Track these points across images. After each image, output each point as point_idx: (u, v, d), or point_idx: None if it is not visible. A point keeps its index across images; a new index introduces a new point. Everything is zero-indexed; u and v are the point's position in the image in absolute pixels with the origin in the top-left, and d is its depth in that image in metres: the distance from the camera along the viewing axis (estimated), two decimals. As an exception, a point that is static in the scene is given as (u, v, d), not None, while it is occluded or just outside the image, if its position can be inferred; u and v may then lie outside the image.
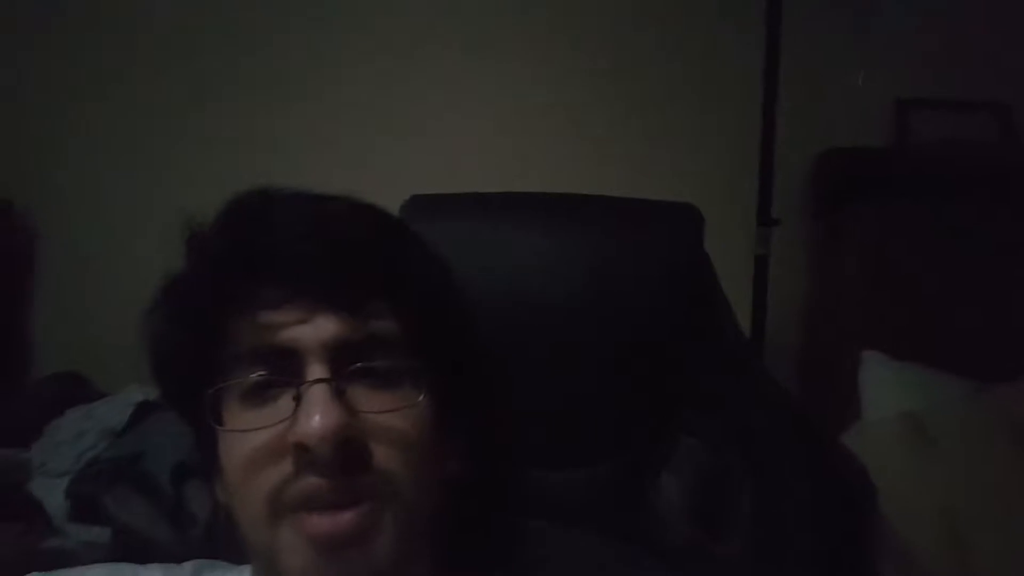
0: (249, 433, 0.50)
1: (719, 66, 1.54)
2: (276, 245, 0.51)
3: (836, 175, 1.50)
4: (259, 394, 0.51)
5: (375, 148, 1.56)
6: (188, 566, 0.64)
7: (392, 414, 0.50)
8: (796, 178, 1.52)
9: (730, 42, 1.52)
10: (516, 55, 1.57)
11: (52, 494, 1.20)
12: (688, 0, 1.55)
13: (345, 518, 0.48)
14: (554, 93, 1.57)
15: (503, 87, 1.58)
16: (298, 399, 0.49)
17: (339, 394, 0.49)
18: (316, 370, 0.49)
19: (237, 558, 0.66)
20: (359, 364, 0.50)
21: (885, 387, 1.22)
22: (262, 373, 0.51)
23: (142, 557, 0.71)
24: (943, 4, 1.51)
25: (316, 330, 0.50)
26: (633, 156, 1.55)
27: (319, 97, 1.58)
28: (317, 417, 0.47)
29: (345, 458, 0.48)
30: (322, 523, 0.48)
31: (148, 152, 1.60)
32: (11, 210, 1.61)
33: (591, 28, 1.56)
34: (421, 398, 0.51)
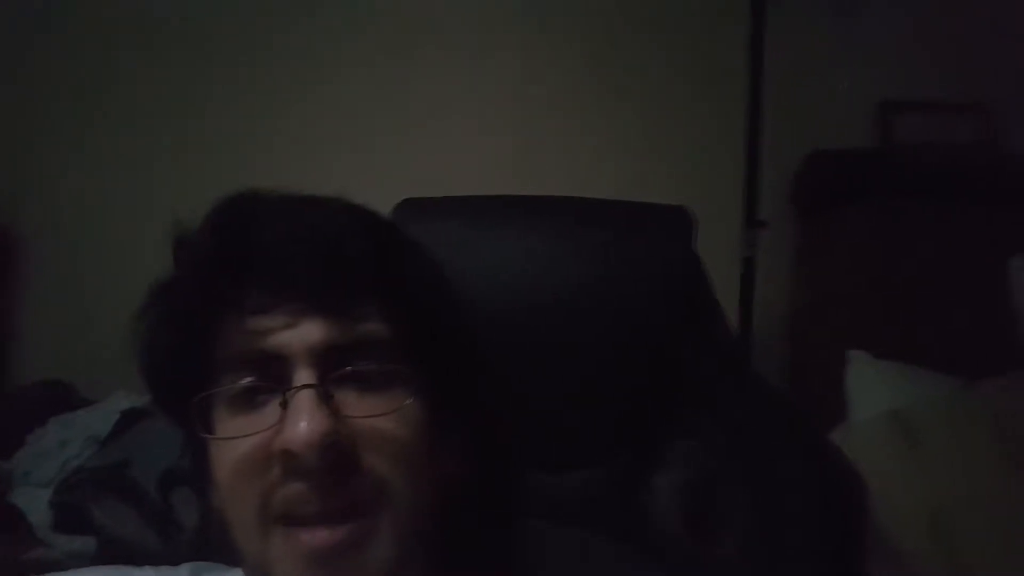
0: (238, 440, 0.49)
1: (705, 70, 1.55)
2: (262, 249, 0.51)
3: (821, 177, 1.51)
4: (247, 400, 0.50)
5: (371, 149, 1.56)
6: (184, 568, 0.63)
7: (381, 418, 0.50)
8: (782, 180, 1.53)
9: (716, 45, 1.53)
10: (505, 60, 1.58)
11: (36, 504, 1.18)
12: (674, 4, 1.56)
13: (339, 532, 0.48)
14: (541, 97, 1.58)
15: (492, 95, 1.58)
16: (285, 405, 0.48)
17: (326, 399, 0.48)
18: (303, 375, 0.49)
19: (225, 561, 0.66)
20: (348, 368, 0.50)
21: (872, 386, 1.22)
22: (250, 379, 0.50)
23: (129, 566, 0.70)
24: (926, 6, 1.52)
25: (303, 334, 0.49)
26: (620, 159, 1.56)
27: (314, 99, 1.58)
28: (303, 424, 0.47)
29: (333, 464, 0.47)
30: (315, 538, 0.48)
31: (135, 158, 1.59)
32: (-6, 216, 1.60)
33: (579, 34, 1.57)
34: (409, 401, 0.51)
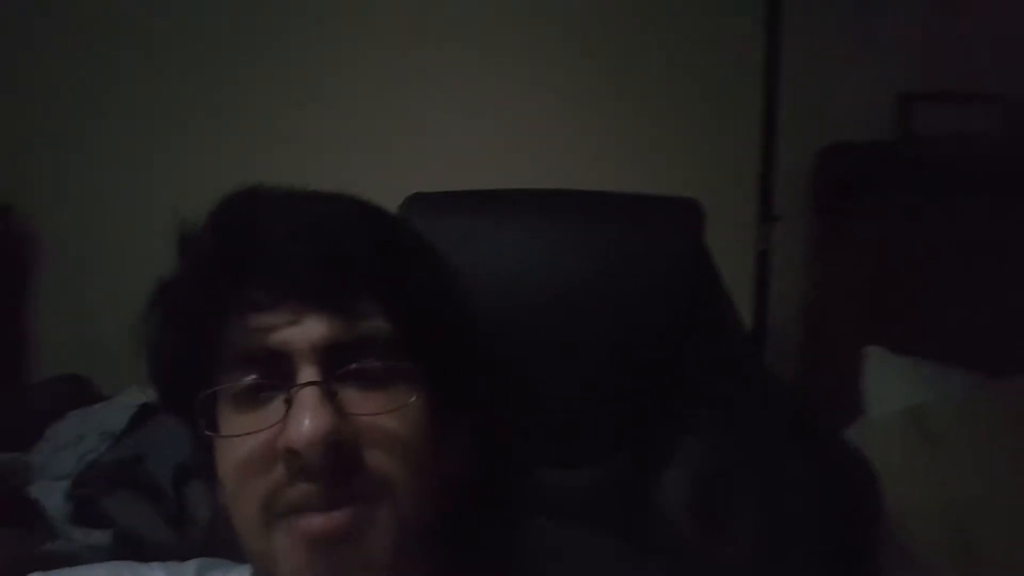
0: (242, 438, 0.49)
1: (720, 61, 1.53)
2: (264, 246, 0.50)
3: (838, 170, 1.49)
4: (251, 397, 0.50)
5: (375, 148, 1.55)
6: (191, 564, 0.64)
7: (385, 415, 0.49)
8: (798, 173, 1.51)
9: (731, 37, 1.51)
10: (517, 52, 1.57)
11: (53, 497, 1.19)
12: (690, -4, 1.55)
13: (336, 516, 0.48)
14: (555, 90, 1.57)
15: (504, 85, 1.58)
16: (289, 403, 0.48)
17: (330, 397, 0.48)
18: (306, 373, 0.49)
19: (238, 559, 0.66)
20: (352, 366, 0.49)
21: (888, 382, 1.21)
22: (253, 376, 0.50)
23: (143, 559, 0.70)
24: (945, -3, 1.50)
25: (306, 332, 0.49)
26: (634, 152, 1.55)
27: (319, 97, 1.58)
28: (307, 422, 0.47)
29: (336, 462, 0.47)
30: (314, 522, 0.48)
31: (148, 154, 1.60)
32: (11, 213, 1.61)
33: (592, 25, 1.56)
34: (414, 399, 0.50)
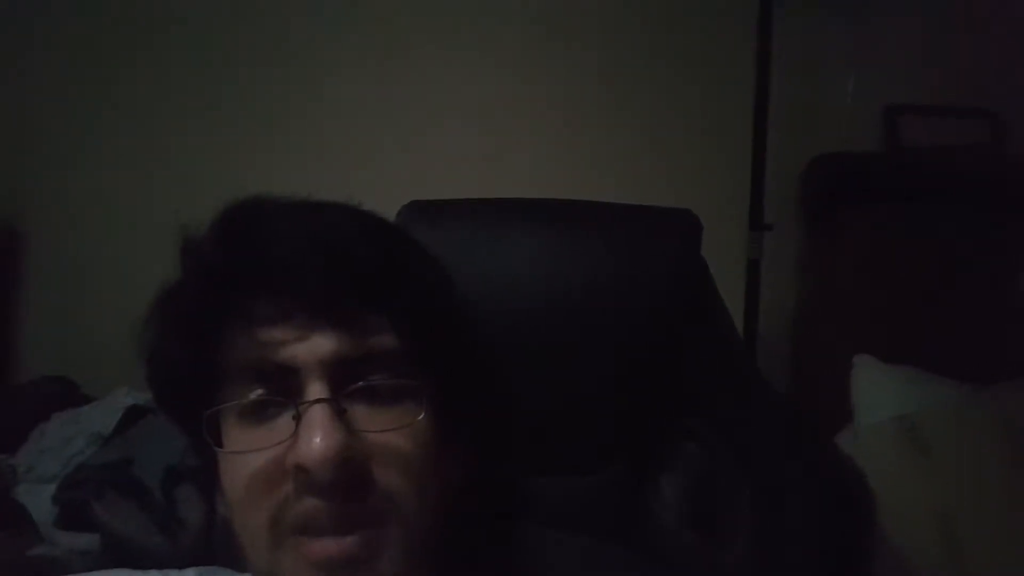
0: (249, 454, 0.49)
1: (712, 72, 1.55)
2: (271, 258, 0.50)
3: (827, 180, 1.51)
4: (258, 412, 0.50)
5: (373, 152, 1.55)
6: (190, 572, 0.63)
7: (393, 433, 0.49)
8: (788, 183, 1.52)
9: (724, 49, 1.52)
10: (511, 62, 1.58)
11: (39, 500, 1.18)
12: (682, 7, 1.55)
13: (348, 542, 0.47)
14: (548, 100, 1.57)
15: (499, 94, 1.58)
16: (298, 419, 0.48)
17: (340, 414, 0.48)
18: (315, 389, 0.48)
19: (229, 564, 0.66)
20: (360, 383, 0.49)
21: (877, 390, 1.22)
22: (260, 391, 0.49)
23: (132, 564, 0.70)
24: (933, 11, 1.52)
25: (314, 347, 0.49)
26: (627, 161, 1.55)
27: (317, 103, 1.58)
28: (317, 439, 0.46)
29: (346, 480, 0.47)
30: (325, 547, 0.47)
31: (138, 155, 1.59)
32: (-2, 213, 1.60)
33: (586, 35, 1.57)
34: (422, 416, 0.50)
